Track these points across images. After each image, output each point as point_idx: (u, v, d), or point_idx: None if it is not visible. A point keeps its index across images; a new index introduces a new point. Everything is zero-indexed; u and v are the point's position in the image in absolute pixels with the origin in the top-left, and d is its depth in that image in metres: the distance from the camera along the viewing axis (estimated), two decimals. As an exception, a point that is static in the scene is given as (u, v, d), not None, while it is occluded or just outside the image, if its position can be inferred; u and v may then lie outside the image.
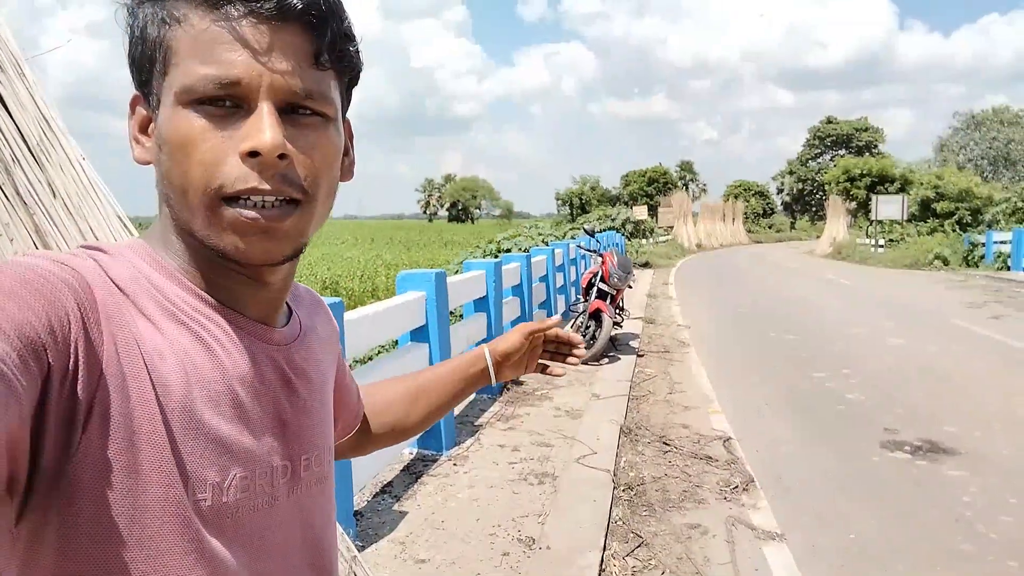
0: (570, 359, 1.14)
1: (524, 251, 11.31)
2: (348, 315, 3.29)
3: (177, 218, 0.62)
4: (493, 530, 3.47)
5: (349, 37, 0.64)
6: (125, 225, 1.64)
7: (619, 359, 7.60)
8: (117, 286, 0.58)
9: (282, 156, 0.58)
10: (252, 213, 0.58)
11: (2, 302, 0.48)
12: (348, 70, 0.65)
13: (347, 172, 0.71)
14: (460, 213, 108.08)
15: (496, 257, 9.45)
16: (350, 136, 0.73)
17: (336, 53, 0.62)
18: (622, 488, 4.06)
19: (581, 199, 66.08)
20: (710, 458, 4.61)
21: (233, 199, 0.58)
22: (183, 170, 0.58)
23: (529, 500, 3.84)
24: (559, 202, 70.99)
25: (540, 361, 1.15)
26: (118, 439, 0.53)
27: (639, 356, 7.85)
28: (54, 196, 1.44)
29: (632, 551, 3.34)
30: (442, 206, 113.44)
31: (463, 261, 6.24)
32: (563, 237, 19.05)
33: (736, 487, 4.11)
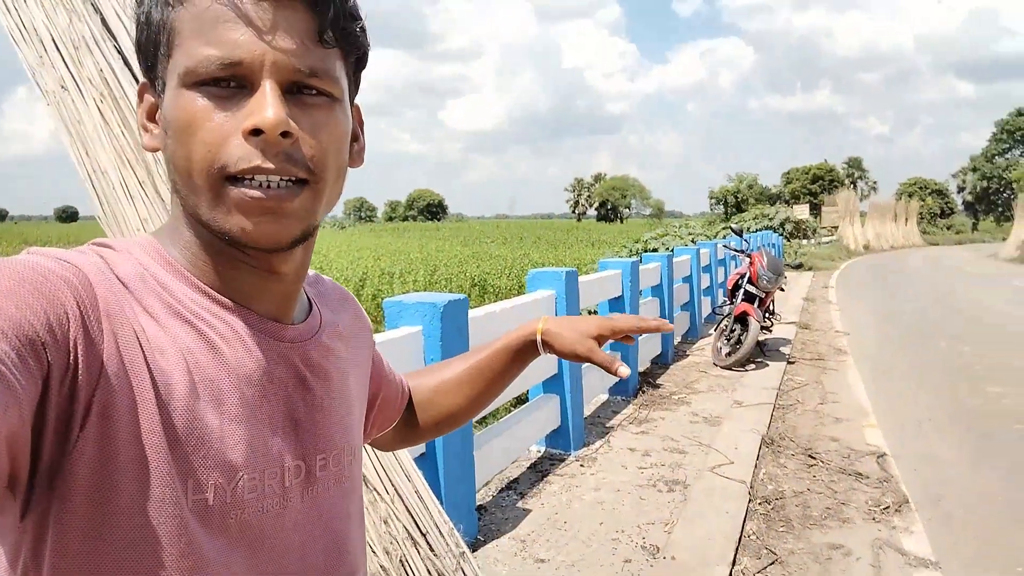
0: (620, 370, 0.94)
1: (670, 251, 11.02)
2: (473, 313, 3.32)
3: (185, 204, 0.61)
4: (616, 535, 3.39)
5: (354, 16, 0.62)
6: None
7: (767, 365, 7.23)
8: (122, 283, 0.58)
9: (286, 135, 0.57)
10: (256, 192, 0.57)
11: (0, 302, 0.48)
12: (354, 49, 0.64)
13: (356, 158, 0.69)
14: (609, 212, 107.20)
15: (640, 256, 9.27)
16: (360, 122, 0.71)
17: (340, 31, 0.60)
18: (758, 501, 3.84)
19: (736, 197, 63.82)
20: (860, 475, 4.27)
21: (237, 179, 0.57)
22: (187, 151, 0.57)
23: (657, 507, 3.72)
24: (712, 201, 68.86)
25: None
26: (116, 437, 0.53)
27: (789, 363, 7.43)
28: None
29: (764, 568, 3.14)
30: (591, 206, 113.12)
31: (599, 261, 6.16)
32: (715, 236, 18.44)
33: (887, 507, 3.78)
